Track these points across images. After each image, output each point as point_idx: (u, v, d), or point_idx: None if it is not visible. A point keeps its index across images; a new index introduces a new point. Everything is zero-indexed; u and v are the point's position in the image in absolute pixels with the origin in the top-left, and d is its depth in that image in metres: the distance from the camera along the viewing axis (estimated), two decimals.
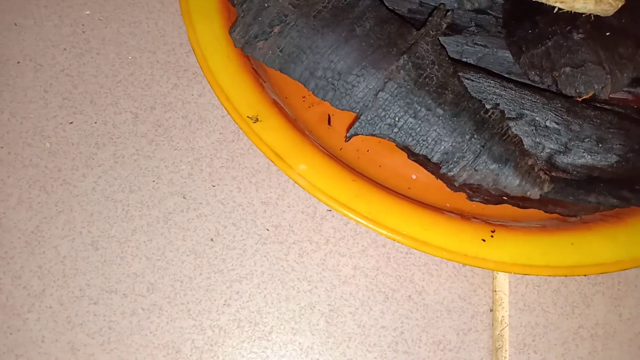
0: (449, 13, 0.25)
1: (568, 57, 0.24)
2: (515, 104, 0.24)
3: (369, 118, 0.23)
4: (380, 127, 0.23)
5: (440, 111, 0.22)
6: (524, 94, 0.24)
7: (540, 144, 0.23)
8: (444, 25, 0.24)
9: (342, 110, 0.24)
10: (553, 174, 0.23)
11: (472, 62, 0.26)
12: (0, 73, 0.30)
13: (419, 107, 0.22)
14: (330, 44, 0.23)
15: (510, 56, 0.26)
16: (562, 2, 0.21)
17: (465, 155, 0.22)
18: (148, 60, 0.30)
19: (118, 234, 0.26)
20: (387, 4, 0.26)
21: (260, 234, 0.27)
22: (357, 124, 0.23)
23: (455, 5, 0.25)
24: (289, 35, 0.23)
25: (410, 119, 0.22)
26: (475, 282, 0.26)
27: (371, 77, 0.23)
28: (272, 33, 0.24)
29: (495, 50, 0.26)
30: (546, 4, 0.23)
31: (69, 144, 0.28)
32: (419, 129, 0.22)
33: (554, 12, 0.23)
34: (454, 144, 0.22)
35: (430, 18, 0.24)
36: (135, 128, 0.28)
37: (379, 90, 0.22)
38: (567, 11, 0.23)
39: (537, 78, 0.24)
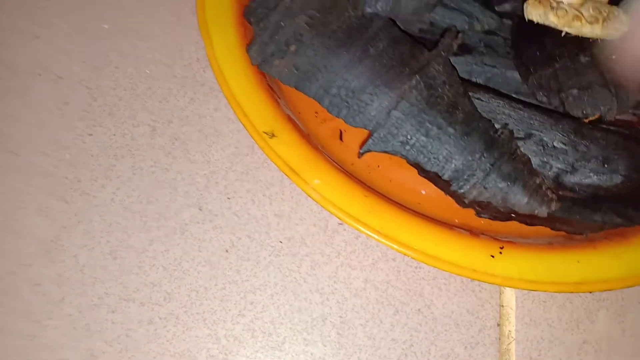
0: (459, 35, 0.25)
1: (575, 79, 0.24)
2: (524, 124, 0.24)
3: (381, 135, 0.23)
4: (392, 144, 0.23)
5: (451, 130, 0.23)
6: (533, 114, 0.24)
7: (547, 163, 0.24)
8: (455, 47, 0.25)
9: (355, 127, 0.24)
10: (560, 192, 0.24)
11: (481, 82, 0.27)
12: (21, 84, 0.30)
13: (431, 126, 0.23)
14: (344, 63, 0.24)
15: (519, 77, 0.27)
16: (570, 26, 0.22)
17: (475, 174, 0.23)
18: (165, 75, 0.31)
19: (136, 244, 0.27)
20: (398, 24, 0.27)
21: (274, 246, 0.27)
22: (370, 141, 0.24)
23: (466, 26, 0.26)
24: (305, 54, 0.24)
25: (422, 137, 0.23)
26: (483, 297, 0.27)
27: (384, 95, 0.23)
28: (288, 52, 0.24)
29: (503, 70, 0.27)
30: (554, 28, 0.24)
31: (88, 155, 0.29)
32: (430, 147, 0.23)
33: (562, 35, 0.24)
34: (464, 162, 0.23)
35: (441, 39, 0.25)
36: (153, 141, 0.29)
37: (392, 109, 0.23)
38: (575, 35, 0.23)
39: (544, 99, 0.25)
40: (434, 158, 0.23)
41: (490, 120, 0.24)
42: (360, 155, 0.24)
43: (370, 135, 0.24)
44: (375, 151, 0.24)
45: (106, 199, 0.28)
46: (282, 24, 0.25)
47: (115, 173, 0.28)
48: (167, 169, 0.28)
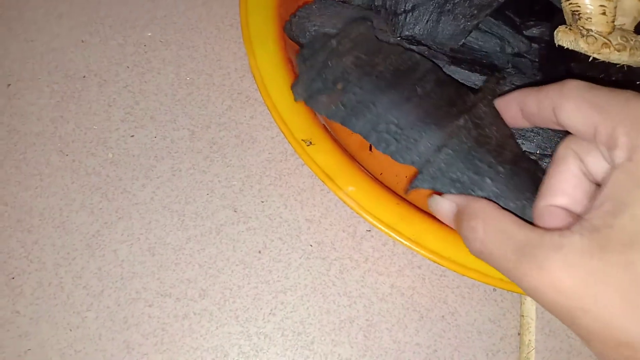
0: (501, 81, 0.26)
1: None
2: (552, 142, 0.26)
3: (431, 172, 0.23)
4: (441, 181, 0.23)
5: (501, 169, 0.22)
6: (559, 134, 0.26)
7: None
8: (499, 92, 0.25)
9: (403, 164, 0.24)
10: None
11: None
12: (67, 86, 0.32)
13: (480, 164, 0.22)
14: (392, 101, 0.24)
15: None
16: (599, 53, 0.24)
17: (526, 212, 0.22)
18: (205, 82, 0.32)
19: (173, 242, 0.28)
20: (430, 44, 0.28)
21: (304, 249, 0.28)
22: (419, 177, 0.23)
23: (497, 48, 0.28)
24: (352, 91, 0.24)
25: (473, 175, 0.22)
26: (504, 307, 0.28)
27: (433, 133, 0.23)
28: (335, 89, 0.24)
29: None
30: (580, 52, 0.25)
31: (130, 156, 0.30)
32: (481, 184, 0.22)
33: (589, 60, 0.25)
34: (516, 201, 0.22)
35: (486, 83, 0.25)
36: (192, 144, 0.30)
37: (442, 146, 0.23)
38: (602, 61, 0.25)
39: None
40: (485, 196, 0.22)
41: (537, 162, 0.24)
42: (407, 191, 0.24)
43: (419, 172, 0.23)
44: (424, 188, 0.23)
45: (146, 197, 0.29)
46: (329, 63, 0.25)
47: (156, 173, 0.30)
48: (205, 171, 0.30)
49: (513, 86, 0.28)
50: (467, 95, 0.25)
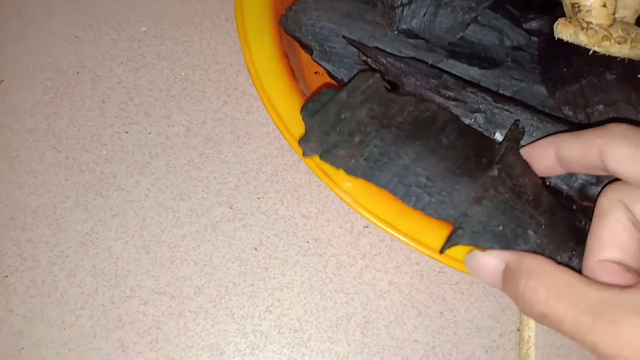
0: (523, 128, 0.25)
1: (601, 95, 0.25)
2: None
3: (472, 227, 0.21)
4: (484, 236, 0.21)
5: (542, 220, 0.21)
6: (559, 127, 0.25)
7: (573, 175, 0.25)
8: (522, 138, 0.24)
9: (437, 219, 0.22)
10: (585, 203, 0.25)
11: (508, 94, 0.28)
12: (61, 82, 0.32)
13: (521, 215, 0.21)
14: (418, 153, 0.22)
15: (545, 91, 0.27)
16: (599, 46, 0.23)
17: (573, 265, 0.21)
18: (200, 78, 0.32)
19: (168, 239, 0.28)
20: (427, 38, 0.28)
21: (301, 246, 0.28)
22: (459, 232, 0.21)
23: (497, 42, 0.27)
24: (372, 144, 0.23)
25: (516, 228, 0.21)
26: (503, 302, 0.27)
27: (466, 185, 0.22)
28: (353, 142, 0.23)
29: (530, 84, 0.28)
30: (580, 45, 0.25)
31: (124, 152, 0.30)
32: (525, 237, 0.21)
33: (589, 53, 0.25)
34: (562, 253, 0.21)
35: (509, 132, 0.24)
36: (187, 140, 0.30)
37: (479, 199, 0.21)
38: (602, 54, 0.24)
39: (570, 113, 0.26)
40: (529, 249, 0.21)
41: (572, 210, 0.23)
42: (443, 250, 0.22)
43: (456, 228, 0.22)
44: (463, 244, 0.21)
45: (140, 194, 0.29)
46: (342, 115, 0.24)
47: (150, 170, 0.29)
48: (200, 167, 0.29)
49: (513, 80, 0.28)
50: (493, 145, 0.24)
